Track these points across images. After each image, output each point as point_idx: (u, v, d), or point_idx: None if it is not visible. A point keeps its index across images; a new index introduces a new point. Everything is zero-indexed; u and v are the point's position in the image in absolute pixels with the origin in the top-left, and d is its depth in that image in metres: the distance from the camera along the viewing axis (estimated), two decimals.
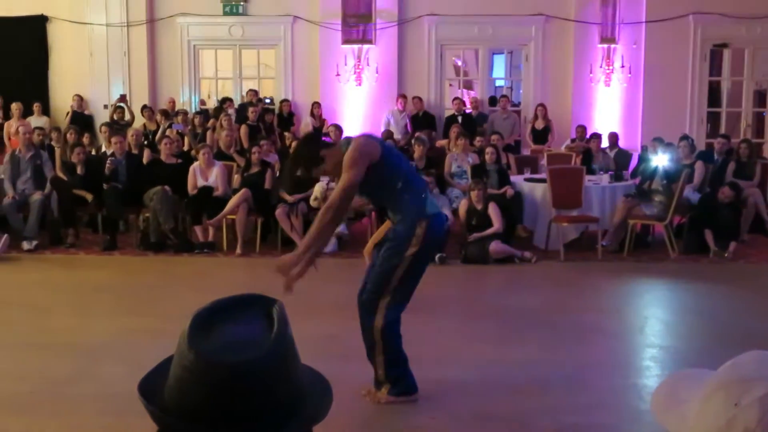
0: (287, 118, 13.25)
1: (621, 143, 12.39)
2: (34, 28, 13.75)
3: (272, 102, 14.24)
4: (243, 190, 9.17)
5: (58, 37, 13.84)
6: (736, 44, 13.58)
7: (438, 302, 7.17)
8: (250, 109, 12.34)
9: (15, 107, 12.47)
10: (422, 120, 13.01)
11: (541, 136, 12.84)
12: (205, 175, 9.44)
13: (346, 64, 13.36)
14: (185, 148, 11.03)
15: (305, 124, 13.26)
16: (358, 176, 4.22)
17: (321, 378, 1.27)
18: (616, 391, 5.03)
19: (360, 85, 13.36)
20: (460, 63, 16.35)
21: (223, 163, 9.77)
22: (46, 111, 13.50)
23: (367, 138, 4.50)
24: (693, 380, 1.08)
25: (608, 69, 13.26)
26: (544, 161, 11.12)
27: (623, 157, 11.90)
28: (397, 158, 4.55)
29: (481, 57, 14.37)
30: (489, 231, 8.67)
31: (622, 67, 13.23)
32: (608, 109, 13.32)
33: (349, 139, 4.50)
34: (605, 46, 13.23)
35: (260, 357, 1.09)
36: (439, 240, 4.72)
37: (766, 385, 0.97)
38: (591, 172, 10.13)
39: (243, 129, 11.85)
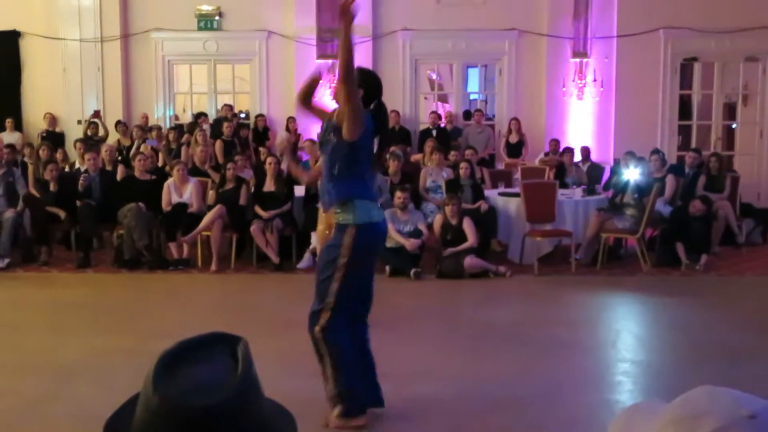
0: (262, 132, 13.24)
1: (593, 157, 12.52)
2: (7, 44, 13.66)
3: (247, 117, 14.23)
4: (218, 206, 9.16)
5: (31, 52, 13.76)
6: (705, 58, 13.79)
7: (413, 317, 7.21)
8: (225, 124, 12.33)
9: None
10: (398, 134, 13.05)
11: (515, 149, 12.95)
12: (179, 191, 9.41)
13: (321, 79, 13.36)
14: (160, 164, 11.00)
15: (281, 139, 13.25)
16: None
17: (284, 411, 1.29)
18: (590, 406, 5.07)
19: (335, 99, 13.36)
20: (434, 77, 16.45)
21: (197, 179, 9.75)
22: (18, 127, 13.41)
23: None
24: (648, 413, 1.11)
25: (581, 83, 13.40)
26: (518, 175, 11.21)
27: (596, 170, 12.02)
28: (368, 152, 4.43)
29: (455, 71, 14.47)
30: (464, 246, 8.72)
31: (594, 81, 13.38)
32: (581, 122, 13.46)
33: None
34: (577, 60, 13.38)
35: (226, 399, 1.10)
36: (373, 248, 4.49)
37: (715, 420, 1.00)
38: (564, 186, 10.23)
39: (218, 144, 11.84)
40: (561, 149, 12.11)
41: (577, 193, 9.90)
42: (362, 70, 4.64)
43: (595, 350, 6.37)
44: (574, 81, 13.41)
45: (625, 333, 6.90)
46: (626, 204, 9.33)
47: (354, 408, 4.43)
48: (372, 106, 4.48)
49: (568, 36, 13.33)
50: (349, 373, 4.42)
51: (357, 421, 4.45)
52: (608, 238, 9.33)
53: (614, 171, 11.07)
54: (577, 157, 12.03)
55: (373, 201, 4.46)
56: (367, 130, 4.34)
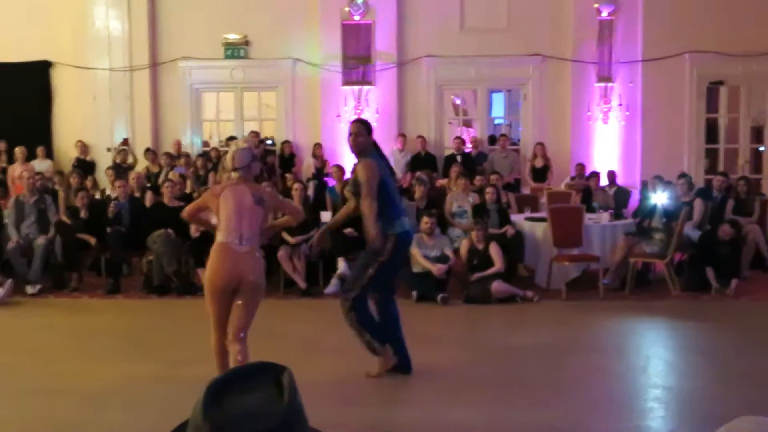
0: (288, 159, 13.36)
1: (620, 181, 12.49)
2: (39, 74, 13.94)
3: (273, 143, 14.37)
4: None
5: (61, 82, 14.03)
6: (732, 82, 13.75)
7: (440, 343, 7.20)
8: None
9: (19, 151, 12.59)
10: (424, 160, 13.12)
11: (540, 174, 12.95)
12: (207, 217, 9.48)
13: (346, 105, 13.51)
14: (188, 190, 11.12)
15: (307, 165, 13.37)
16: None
17: None
18: None
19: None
20: (458, 102, 16.51)
21: None
22: (49, 155, 13.64)
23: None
24: None
25: (606, 107, 13.40)
26: (544, 200, 11.20)
27: (622, 194, 11.98)
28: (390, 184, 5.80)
29: (479, 97, 14.54)
30: (490, 270, 8.71)
31: (620, 105, 13.38)
32: (607, 146, 13.44)
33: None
34: (602, 84, 13.39)
35: (273, 427, 1.13)
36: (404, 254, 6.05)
37: None
38: (591, 210, 10.20)
39: None
40: (587, 173, 12.09)
41: (604, 217, 9.86)
42: (366, 123, 5.91)
43: (624, 376, 6.31)
44: (599, 105, 13.41)
45: (655, 359, 6.84)
46: (654, 228, 9.28)
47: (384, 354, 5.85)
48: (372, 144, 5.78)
49: (593, 61, 13.36)
50: (375, 334, 5.82)
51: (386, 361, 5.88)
52: (636, 263, 9.27)
53: (643, 195, 11.03)
54: (604, 181, 12.00)
55: (403, 216, 5.84)
56: (382, 172, 5.64)
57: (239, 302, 5.02)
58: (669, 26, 13.11)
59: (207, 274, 5.08)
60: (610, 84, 13.38)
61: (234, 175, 5.18)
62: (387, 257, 5.59)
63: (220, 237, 5.07)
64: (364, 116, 13.43)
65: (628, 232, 9.52)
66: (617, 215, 10.10)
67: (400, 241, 5.66)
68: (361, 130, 5.67)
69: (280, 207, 5.70)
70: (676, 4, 13.17)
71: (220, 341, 5.11)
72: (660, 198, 9.43)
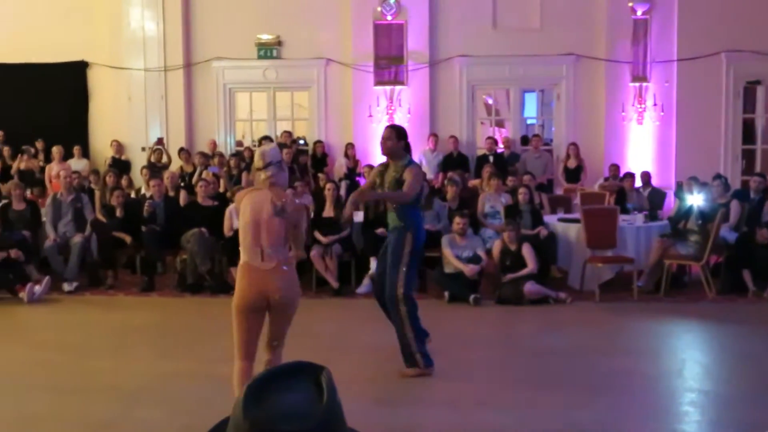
0: (321, 159, 13.39)
1: (654, 182, 12.35)
2: (75, 74, 14.13)
3: (306, 143, 14.42)
4: None
5: (97, 82, 14.21)
6: None
7: (472, 343, 7.18)
8: (285, 150, 12.49)
9: (56, 151, 12.77)
10: (456, 160, 13.09)
11: (573, 175, 12.85)
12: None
13: (378, 105, 13.52)
14: (221, 189, 11.19)
15: (339, 165, 13.41)
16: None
17: None
18: None
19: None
20: (490, 101, 16.44)
21: None
22: (85, 154, 13.81)
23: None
24: None
25: (640, 107, 13.26)
26: (577, 200, 11.12)
27: (657, 195, 11.85)
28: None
29: (512, 97, 14.46)
30: (523, 272, 8.67)
31: (655, 105, 13.24)
32: (641, 147, 13.31)
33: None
34: (637, 84, 13.26)
35: (314, 426, 1.14)
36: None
37: None
38: (625, 211, 10.09)
39: None
40: (621, 174, 11.98)
41: (639, 218, 9.76)
42: (398, 128, 6.30)
43: (659, 379, 6.24)
44: (633, 105, 13.28)
45: (690, 362, 6.76)
46: (689, 230, 9.17)
47: (425, 360, 6.08)
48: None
49: (627, 60, 13.23)
50: (417, 327, 6.12)
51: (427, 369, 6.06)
52: (671, 265, 9.16)
53: (678, 196, 10.90)
54: (638, 182, 11.88)
55: (420, 215, 6.35)
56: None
57: (271, 318, 4.75)
58: (705, 25, 12.93)
59: (234, 296, 4.73)
60: (644, 84, 13.24)
61: (263, 175, 4.73)
62: (412, 246, 6.05)
63: (242, 255, 4.71)
64: (396, 116, 13.45)
65: (663, 234, 9.41)
66: (652, 216, 9.99)
67: (419, 230, 6.19)
68: (391, 135, 6.07)
69: (298, 226, 4.99)
70: (712, 2, 12.99)
71: (244, 372, 4.63)
72: (696, 199, 9.31)
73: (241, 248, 4.72)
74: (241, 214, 4.73)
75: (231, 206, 9.68)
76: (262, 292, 4.62)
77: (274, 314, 4.71)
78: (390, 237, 6.20)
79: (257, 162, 4.82)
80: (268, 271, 4.62)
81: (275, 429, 1.14)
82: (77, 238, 9.57)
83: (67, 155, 13.07)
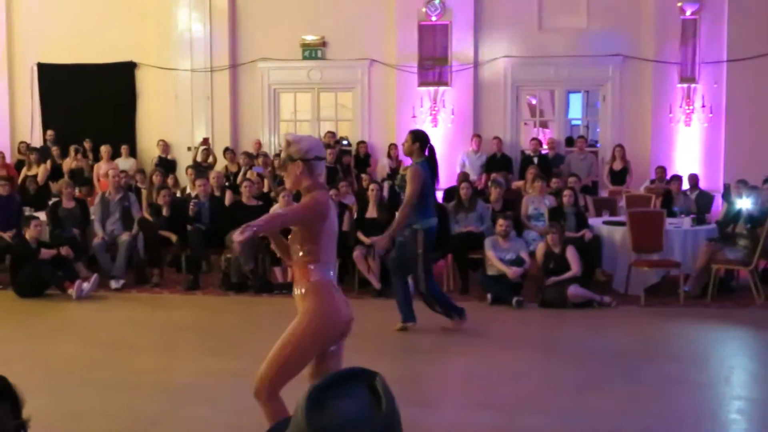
0: (364, 159, 13.44)
1: (702, 184, 12.16)
2: (124, 75, 14.38)
3: (349, 143, 14.48)
4: None
5: (145, 82, 14.44)
6: None
7: (515, 346, 7.15)
8: (328, 150, 12.54)
9: (104, 150, 12.99)
10: (500, 161, 13.03)
11: (618, 177, 12.70)
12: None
13: (422, 106, 13.51)
14: (265, 189, 11.29)
15: (382, 166, 13.43)
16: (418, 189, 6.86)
17: None
18: None
19: (436, 126, 13.48)
20: (534, 101, 16.32)
21: None
22: (132, 153, 14.04)
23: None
24: None
25: (688, 109, 13.06)
26: (622, 203, 11.00)
27: (705, 199, 11.66)
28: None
29: (557, 98, 14.34)
30: (567, 275, 8.59)
31: (703, 106, 13.02)
32: (689, 149, 13.10)
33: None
34: (685, 85, 13.06)
35: None
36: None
37: None
38: (672, 214, 9.95)
39: None
40: (668, 177, 11.81)
41: (686, 222, 9.61)
42: (415, 132, 7.27)
43: (706, 386, 6.15)
44: (681, 107, 13.08)
45: (738, 369, 6.64)
46: (738, 234, 9.01)
47: (459, 313, 7.32)
48: (426, 153, 7.05)
49: (675, 61, 13.04)
50: (445, 303, 7.35)
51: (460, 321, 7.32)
52: (719, 270, 9.01)
53: (726, 199, 10.72)
54: (685, 185, 11.70)
55: (433, 216, 7.10)
56: (425, 176, 6.94)
57: (336, 352, 4.02)
58: (755, 25, 12.69)
59: (320, 322, 3.85)
60: (693, 85, 13.04)
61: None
62: (422, 248, 6.91)
63: (324, 272, 3.88)
64: (439, 117, 13.44)
65: (711, 238, 9.26)
66: (699, 220, 9.83)
67: (430, 233, 6.96)
68: (408, 138, 7.10)
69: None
70: (762, 2, 12.74)
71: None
72: (744, 203, 9.15)
73: (324, 262, 3.84)
74: (329, 222, 3.84)
75: (275, 206, 9.77)
76: (349, 320, 3.94)
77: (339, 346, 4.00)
78: (403, 235, 6.99)
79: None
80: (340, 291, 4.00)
81: None
82: (124, 237, 9.73)
83: (115, 154, 13.29)
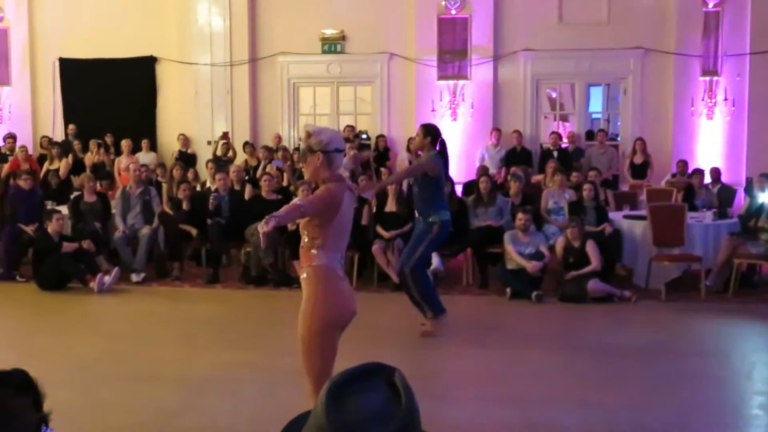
0: (383, 153, 13.43)
1: (724, 178, 12.04)
2: (145, 69, 14.46)
3: (368, 137, 14.47)
4: None
5: (166, 76, 14.50)
6: None
7: (535, 341, 7.12)
8: (347, 145, 12.55)
9: (125, 144, 13.06)
10: (519, 155, 12.97)
11: (639, 170, 12.61)
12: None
13: (441, 100, 13.48)
14: (284, 183, 11.32)
15: (401, 159, 13.42)
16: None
17: None
18: None
19: (455, 120, 13.46)
20: (554, 95, 16.24)
21: None
22: (153, 147, 14.12)
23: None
24: None
25: (710, 102, 12.95)
26: (643, 197, 10.92)
27: (727, 192, 11.56)
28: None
29: (577, 91, 14.26)
30: (587, 269, 8.55)
31: (725, 100, 12.90)
32: (711, 143, 12.99)
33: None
34: (707, 78, 12.94)
35: (395, 429, 1.16)
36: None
37: None
38: (693, 208, 9.87)
39: None
40: (689, 170, 11.71)
41: (708, 216, 9.54)
42: (426, 126, 7.18)
43: (727, 381, 6.10)
44: (703, 100, 12.97)
45: (760, 364, 6.59)
46: (760, 228, 8.91)
47: (438, 310, 7.11)
48: (438, 146, 6.95)
49: (698, 54, 12.91)
50: (429, 294, 7.15)
51: (441, 318, 7.10)
52: (741, 264, 8.93)
53: (748, 193, 10.61)
54: (707, 178, 11.60)
55: (447, 209, 7.07)
56: (438, 167, 6.89)
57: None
58: None
59: (326, 312, 3.89)
60: (715, 78, 12.92)
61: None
62: (434, 236, 6.96)
63: (328, 259, 3.92)
64: (459, 110, 13.41)
65: (733, 232, 9.17)
66: (721, 214, 9.75)
67: (444, 226, 6.98)
68: (419, 132, 7.10)
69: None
70: None
71: None
72: (767, 197, 9.05)
73: (329, 249, 3.89)
74: (342, 214, 3.90)
75: (294, 200, 9.79)
76: (353, 310, 4.00)
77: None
78: (419, 224, 7.10)
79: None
80: (347, 282, 4.08)
81: None
82: (145, 230, 9.79)
83: (136, 149, 13.36)
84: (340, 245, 3.96)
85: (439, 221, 6.97)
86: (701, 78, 12.97)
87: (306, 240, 3.92)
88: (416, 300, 7.14)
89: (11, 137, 13.08)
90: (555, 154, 12.72)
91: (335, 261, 3.92)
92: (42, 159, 13.02)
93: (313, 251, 3.88)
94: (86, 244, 9.32)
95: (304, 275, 3.94)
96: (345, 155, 4.12)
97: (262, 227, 3.63)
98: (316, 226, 3.87)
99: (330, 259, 3.89)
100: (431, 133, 7.01)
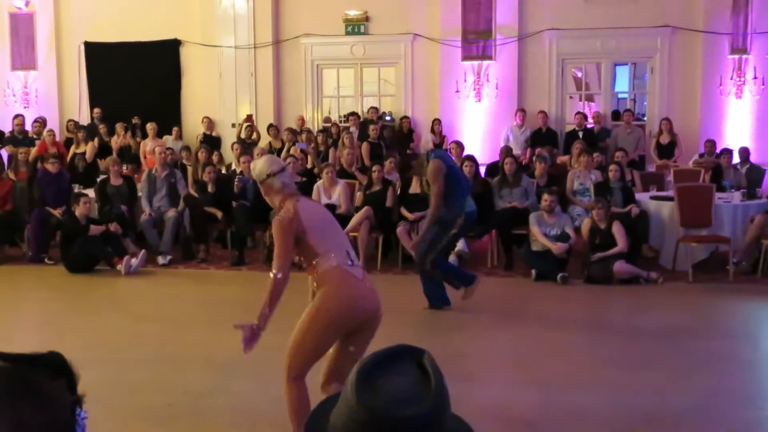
0: (407, 134, 13.39)
1: (753, 158, 11.88)
2: (169, 52, 14.49)
3: (392, 119, 14.43)
4: (365, 208, 9.35)
5: (190, 59, 14.53)
6: None
7: (561, 323, 7.10)
8: (371, 126, 12.55)
9: (150, 127, 13.13)
10: (545, 136, 12.88)
11: (666, 151, 12.47)
12: (328, 193, 9.68)
13: (465, 81, 13.40)
14: (309, 166, 11.33)
15: (425, 141, 13.34)
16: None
17: (465, 424, 1.32)
18: (749, 422, 4.84)
19: (480, 101, 13.38)
20: (579, 75, 16.09)
21: (345, 181, 9.98)
22: (180, 134, 14.14)
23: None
24: None
25: (739, 80, 12.75)
26: (670, 177, 10.81)
27: (756, 173, 11.41)
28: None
29: (603, 70, 14.09)
30: (613, 250, 8.49)
31: (755, 78, 12.70)
32: (739, 122, 12.81)
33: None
34: (736, 56, 12.74)
35: (428, 409, 1.17)
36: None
37: None
38: (721, 189, 9.76)
39: (364, 146, 12.08)
40: (717, 150, 11.57)
41: (736, 197, 9.42)
42: (417, 158, 7.75)
43: (755, 363, 6.06)
44: (732, 79, 12.78)
45: None
46: None
47: (467, 282, 7.28)
48: (432, 147, 7.54)
49: (726, 32, 12.71)
50: (454, 274, 7.48)
51: (475, 285, 7.29)
52: None
53: None
54: (735, 158, 11.45)
55: (465, 199, 7.17)
56: (446, 166, 7.04)
57: (364, 338, 4.05)
58: None
59: (333, 306, 3.97)
60: (744, 56, 12.71)
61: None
62: (457, 230, 7.12)
63: (331, 258, 3.99)
64: (483, 91, 13.32)
65: (763, 211, 9.05)
66: (750, 195, 9.63)
67: (468, 218, 7.14)
68: (418, 163, 7.55)
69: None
70: None
71: (307, 396, 4.11)
72: None
73: (323, 253, 3.96)
74: (309, 218, 4.00)
75: (318, 182, 9.82)
76: (370, 308, 3.98)
77: (368, 334, 4.02)
78: (444, 213, 7.07)
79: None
80: (364, 280, 4.01)
81: (392, 414, 1.16)
82: (171, 213, 9.86)
83: (161, 131, 13.42)
84: (334, 241, 4.04)
85: (463, 214, 7.07)
86: (730, 56, 12.78)
87: (303, 260, 4.06)
88: (439, 282, 7.33)
89: (39, 122, 13.19)
90: (580, 134, 12.61)
91: (340, 258, 3.96)
92: (68, 143, 13.13)
93: (314, 262, 3.99)
94: (113, 226, 9.40)
95: (315, 284, 4.05)
96: (284, 170, 4.19)
97: (246, 350, 4.26)
98: (301, 247, 4.00)
99: (332, 259, 3.95)
100: (421, 157, 7.45)
